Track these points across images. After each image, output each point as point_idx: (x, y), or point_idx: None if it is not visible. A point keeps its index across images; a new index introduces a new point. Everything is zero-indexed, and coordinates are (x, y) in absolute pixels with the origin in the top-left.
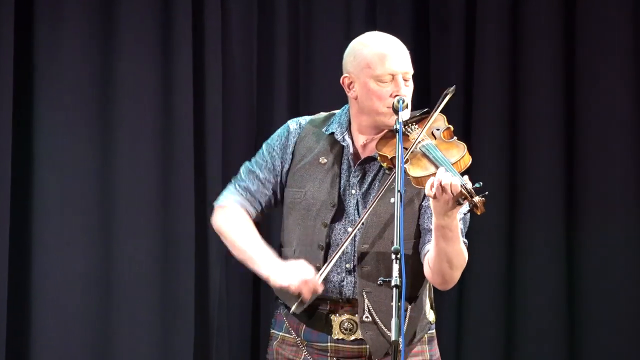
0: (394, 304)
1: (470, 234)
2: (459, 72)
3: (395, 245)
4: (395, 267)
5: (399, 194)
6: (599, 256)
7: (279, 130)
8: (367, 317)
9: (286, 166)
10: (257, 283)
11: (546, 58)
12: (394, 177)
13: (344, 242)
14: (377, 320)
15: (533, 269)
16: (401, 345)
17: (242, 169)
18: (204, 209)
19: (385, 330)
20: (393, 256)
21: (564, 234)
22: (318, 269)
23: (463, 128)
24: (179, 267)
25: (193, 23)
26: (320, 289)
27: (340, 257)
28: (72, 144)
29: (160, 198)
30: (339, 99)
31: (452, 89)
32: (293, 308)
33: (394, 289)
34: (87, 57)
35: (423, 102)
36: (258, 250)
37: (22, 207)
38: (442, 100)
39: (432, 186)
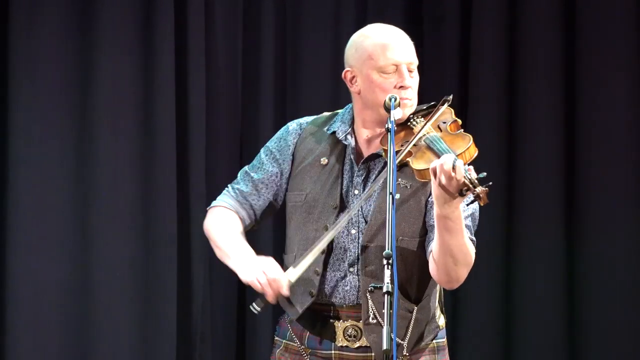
0: (385, 311)
1: None
2: (454, 68)
3: (386, 250)
4: (387, 272)
5: (390, 196)
6: (599, 258)
7: (278, 132)
8: (372, 319)
9: (286, 168)
10: (242, 287)
11: (545, 53)
12: (398, 171)
13: (331, 231)
14: (382, 322)
15: (531, 270)
16: (394, 356)
17: (240, 173)
18: (187, 212)
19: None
20: (385, 261)
21: (564, 234)
22: (317, 273)
23: None
24: (161, 272)
25: (175, 19)
26: (286, 292)
27: (342, 261)
28: (48, 144)
29: (141, 200)
30: (327, 98)
31: (450, 97)
32: (254, 305)
33: (386, 295)
34: (65, 54)
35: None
36: (234, 246)
37: None
38: (439, 109)
39: (434, 171)
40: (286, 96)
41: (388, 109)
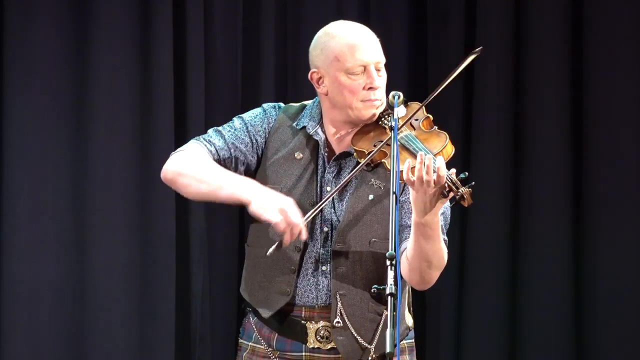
0: (388, 313)
1: (474, 235)
2: (459, 64)
3: (390, 251)
4: (391, 274)
5: (394, 195)
6: (607, 258)
7: (255, 110)
8: (337, 321)
9: (257, 146)
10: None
11: (552, 49)
12: (372, 172)
13: (321, 204)
14: (349, 325)
15: (538, 272)
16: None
17: (210, 130)
18: (185, 212)
19: (357, 336)
20: (388, 262)
21: (571, 234)
22: (292, 271)
23: (463, 130)
24: (158, 274)
25: (174, 13)
26: (304, 236)
27: (315, 260)
28: (44, 142)
29: (138, 201)
30: None
31: (478, 49)
32: (269, 251)
33: (389, 297)
34: (61, 50)
35: (421, 99)
36: (232, 175)
37: None
38: (464, 62)
39: (412, 172)
40: (287, 93)
41: (392, 107)
